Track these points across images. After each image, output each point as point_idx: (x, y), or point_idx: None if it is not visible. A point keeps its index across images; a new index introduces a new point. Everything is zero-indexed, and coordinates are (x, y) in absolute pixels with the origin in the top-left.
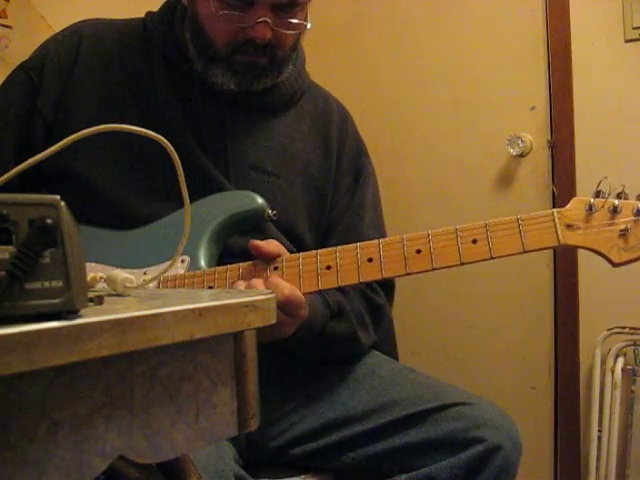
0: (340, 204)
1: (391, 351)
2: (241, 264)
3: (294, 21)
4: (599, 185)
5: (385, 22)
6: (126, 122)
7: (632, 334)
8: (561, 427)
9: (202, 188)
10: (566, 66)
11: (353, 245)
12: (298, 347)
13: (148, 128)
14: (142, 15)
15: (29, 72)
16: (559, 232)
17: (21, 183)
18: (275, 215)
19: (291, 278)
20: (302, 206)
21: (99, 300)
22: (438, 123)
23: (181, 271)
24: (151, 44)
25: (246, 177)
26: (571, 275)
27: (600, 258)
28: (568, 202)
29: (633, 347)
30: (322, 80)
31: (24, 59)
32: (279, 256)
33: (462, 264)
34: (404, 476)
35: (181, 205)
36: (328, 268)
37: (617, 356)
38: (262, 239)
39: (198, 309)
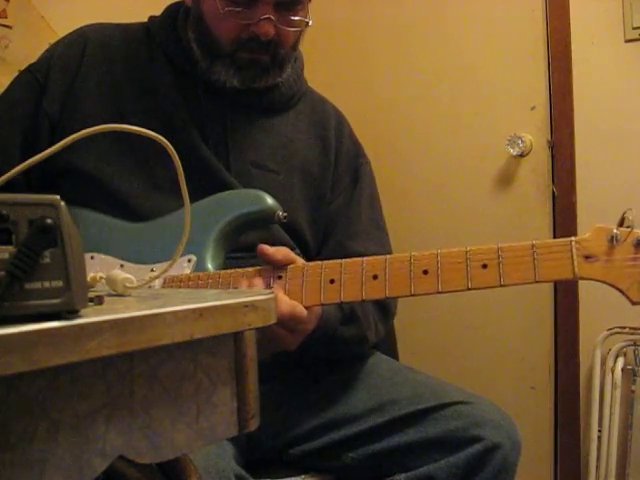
0: (337, 202)
1: (391, 351)
2: (246, 270)
3: (296, 18)
4: (624, 215)
5: (384, 22)
6: (130, 120)
7: (632, 334)
8: (561, 427)
9: (206, 182)
10: (566, 66)
11: (358, 260)
12: (307, 349)
13: (152, 125)
14: (143, 17)
15: (35, 73)
16: (575, 264)
17: (27, 180)
18: (286, 217)
19: (294, 289)
20: (301, 202)
21: (99, 300)
22: (438, 123)
23: (187, 271)
24: (155, 46)
25: (247, 173)
26: None
27: None
28: (568, 202)
29: (633, 347)
30: (322, 80)
31: (24, 59)
32: (287, 264)
33: (469, 289)
34: (403, 475)
35: (190, 200)
36: (332, 282)
37: (617, 356)
38: (268, 238)
39: (198, 309)
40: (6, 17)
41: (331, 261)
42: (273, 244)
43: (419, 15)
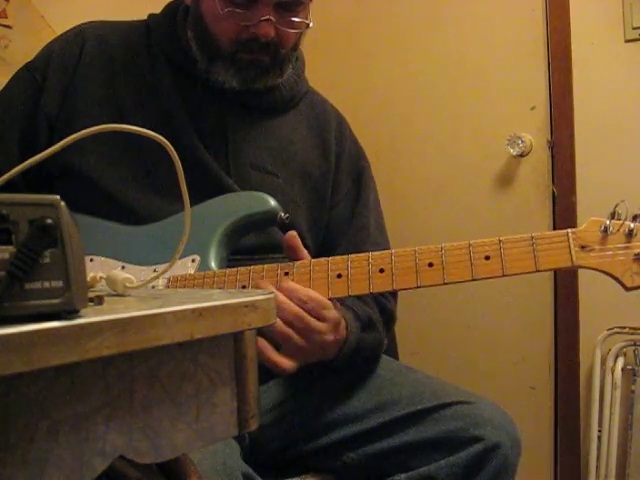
0: (341, 206)
1: (391, 351)
2: (251, 267)
3: (297, 20)
4: (615, 207)
5: (384, 22)
6: (129, 121)
7: (632, 334)
8: (561, 427)
9: (205, 185)
10: (566, 66)
11: (365, 255)
12: (339, 364)
13: (151, 126)
14: (143, 16)
15: (33, 72)
16: (573, 253)
17: (25, 181)
18: (288, 219)
19: (301, 284)
20: (301, 205)
21: (99, 300)
22: (438, 123)
23: (191, 271)
24: (154, 45)
25: (246, 175)
26: (571, 275)
27: None
28: (568, 202)
29: (633, 347)
30: (322, 81)
31: (24, 59)
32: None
33: (474, 280)
34: (404, 475)
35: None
36: (339, 276)
37: (617, 356)
38: (267, 241)
39: (198, 309)
40: (6, 17)
41: (337, 257)
42: (272, 247)
43: (419, 15)
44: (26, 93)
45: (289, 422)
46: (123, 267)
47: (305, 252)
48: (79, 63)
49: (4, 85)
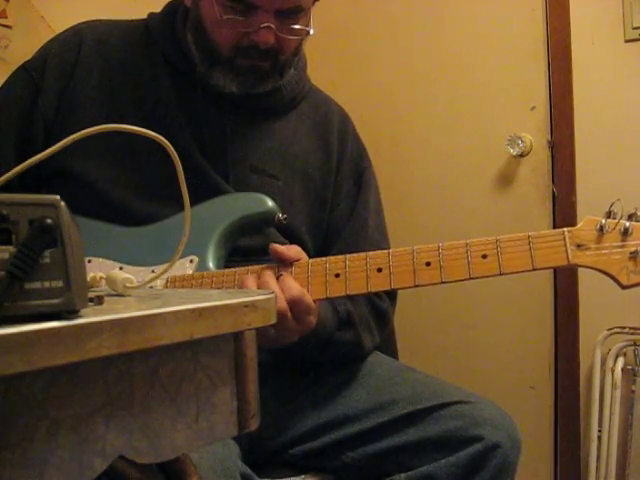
0: (341, 207)
1: (391, 351)
2: (250, 267)
3: (297, 27)
4: (611, 206)
5: (384, 22)
6: (126, 122)
7: (632, 334)
8: (561, 427)
9: (201, 190)
10: (566, 66)
11: (362, 254)
12: (299, 348)
13: (148, 129)
14: (143, 16)
15: (31, 72)
16: (569, 252)
17: (22, 182)
18: (286, 219)
19: (299, 284)
20: (301, 208)
21: (99, 300)
22: (438, 123)
23: (189, 271)
24: (153, 45)
25: (246, 179)
26: (571, 275)
27: None
28: (568, 202)
29: (633, 347)
30: (321, 80)
31: (24, 59)
32: (297, 261)
33: (471, 278)
34: (403, 475)
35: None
36: (337, 276)
37: (617, 356)
38: (265, 243)
39: (198, 309)
40: (6, 17)
41: (335, 256)
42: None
43: (419, 15)
44: (23, 93)
45: (289, 422)
46: (121, 268)
47: (293, 251)
48: (77, 64)
49: (1, 85)
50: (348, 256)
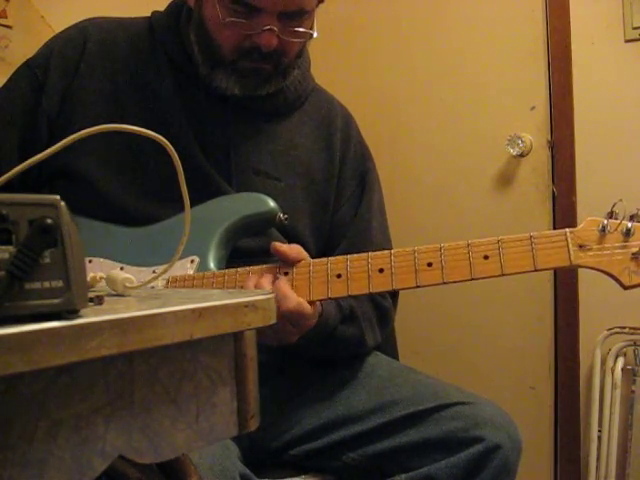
0: (344, 209)
1: (391, 351)
2: (251, 267)
3: (300, 30)
4: (613, 207)
5: (384, 22)
6: (129, 122)
7: (632, 334)
8: (561, 427)
9: (202, 191)
10: (566, 66)
11: (364, 255)
12: (303, 345)
13: (150, 129)
14: (144, 14)
15: (34, 70)
16: (571, 252)
17: (23, 180)
18: (287, 219)
19: (301, 284)
20: (303, 210)
21: (99, 300)
22: (438, 123)
23: (190, 271)
24: (157, 44)
25: (248, 180)
26: (571, 275)
27: None
28: (568, 202)
29: (633, 347)
30: (322, 80)
31: (24, 59)
32: (300, 261)
33: (473, 279)
34: (404, 476)
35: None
36: (338, 276)
37: (617, 356)
38: (267, 244)
39: (198, 309)
40: (6, 17)
41: (337, 257)
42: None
43: (419, 15)
44: (27, 92)
45: (289, 422)
46: (122, 268)
47: (295, 252)
48: (81, 62)
49: (4, 82)
50: (349, 256)
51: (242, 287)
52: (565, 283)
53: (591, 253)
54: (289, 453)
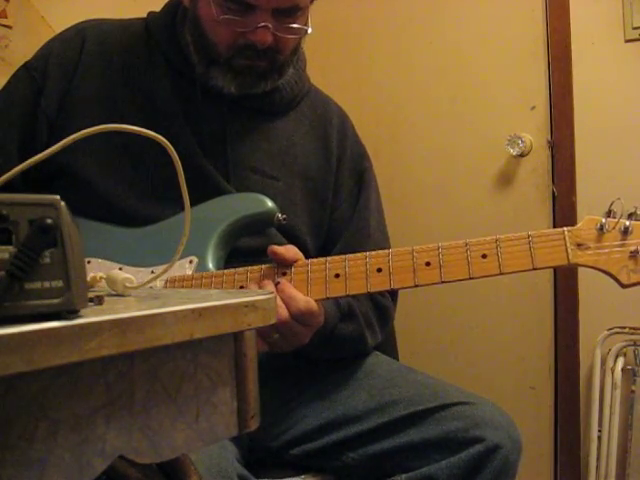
0: (342, 207)
1: (391, 351)
2: (249, 267)
3: (295, 26)
4: (611, 205)
5: (384, 22)
6: (127, 122)
7: (632, 334)
8: (561, 427)
9: (202, 191)
10: (566, 66)
11: (362, 254)
12: (307, 346)
13: (149, 129)
14: (143, 15)
15: (32, 72)
16: (569, 251)
17: (24, 181)
18: (285, 219)
19: (299, 284)
20: (302, 209)
21: (99, 300)
22: (438, 123)
23: (189, 272)
24: (153, 45)
25: (246, 179)
26: (571, 275)
27: None
28: (568, 202)
29: (633, 347)
30: (321, 81)
31: (24, 59)
32: (297, 262)
33: (471, 278)
34: (404, 476)
35: (184, 206)
36: (337, 276)
37: (617, 356)
38: (266, 244)
39: (198, 309)
40: (6, 17)
41: (335, 256)
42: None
43: (419, 15)
44: (26, 94)
45: (289, 422)
46: (121, 268)
47: (291, 253)
48: (78, 63)
49: (3, 85)
50: (348, 256)
51: (242, 287)
52: (565, 283)
53: (589, 252)
54: (289, 453)
